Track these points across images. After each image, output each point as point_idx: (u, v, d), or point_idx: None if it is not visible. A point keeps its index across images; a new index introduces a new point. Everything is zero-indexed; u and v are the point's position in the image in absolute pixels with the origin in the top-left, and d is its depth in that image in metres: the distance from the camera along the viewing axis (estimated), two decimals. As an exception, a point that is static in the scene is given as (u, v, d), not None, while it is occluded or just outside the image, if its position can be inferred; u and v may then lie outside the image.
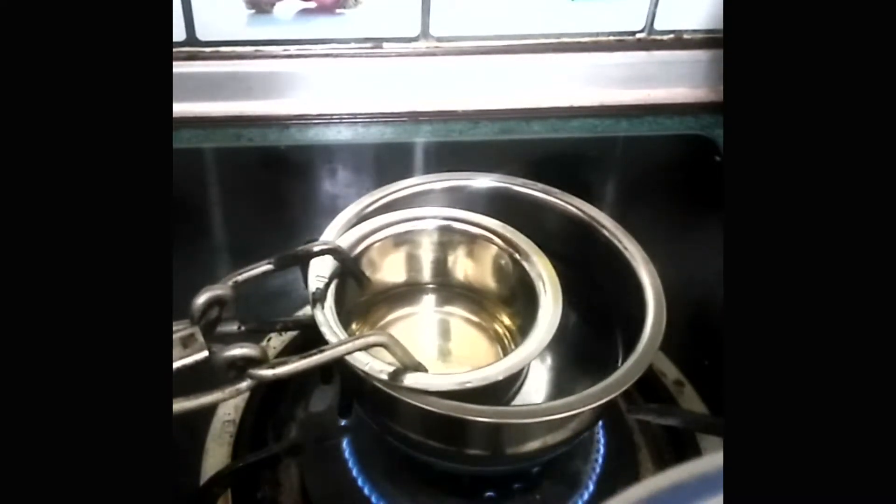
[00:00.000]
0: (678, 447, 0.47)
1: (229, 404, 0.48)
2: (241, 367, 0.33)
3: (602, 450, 0.46)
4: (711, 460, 0.26)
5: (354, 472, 0.44)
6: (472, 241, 0.45)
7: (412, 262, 0.46)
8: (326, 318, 0.38)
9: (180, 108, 0.69)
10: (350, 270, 0.42)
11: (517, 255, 0.43)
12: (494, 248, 0.44)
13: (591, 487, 0.44)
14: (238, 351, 0.33)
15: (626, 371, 0.37)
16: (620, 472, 0.45)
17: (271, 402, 0.49)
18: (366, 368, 0.36)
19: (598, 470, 0.45)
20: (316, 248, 0.40)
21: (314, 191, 0.68)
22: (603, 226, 0.45)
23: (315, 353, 0.35)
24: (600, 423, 0.46)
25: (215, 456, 0.46)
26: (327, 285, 0.40)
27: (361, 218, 0.44)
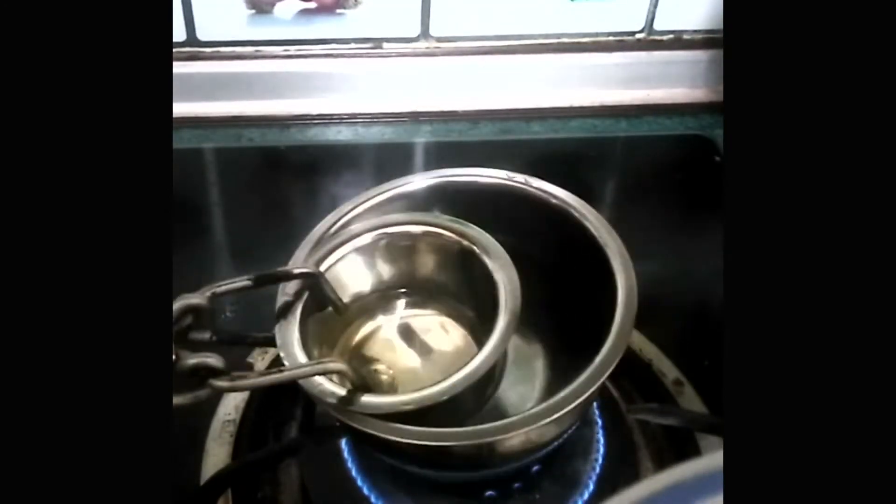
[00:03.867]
0: (678, 447, 0.47)
1: (229, 404, 0.49)
2: (202, 376, 0.34)
3: (602, 449, 0.46)
4: (711, 460, 0.26)
5: (354, 472, 0.44)
6: (418, 241, 0.44)
7: (379, 270, 0.45)
8: (286, 341, 0.39)
9: (180, 108, 0.69)
10: (328, 298, 0.42)
11: (470, 246, 0.42)
12: (443, 243, 0.44)
13: (591, 487, 0.44)
14: (200, 360, 0.34)
15: (593, 372, 0.37)
16: (620, 472, 0.45)
17: (271, 402, 0.49)
18: (316, 392, 0.37)
19: (597, 469, 0.45)
20: (295, 271, 0.41)
21: (314, 191, 0.68)
22: (576, 209, 0.44)
23: (274, 372, 0.36)
24: (600, 423, 0.46)
25: (215, 456, 0.46)
26: (294, 303, 0.40)
27: (323, 240, 0.44)
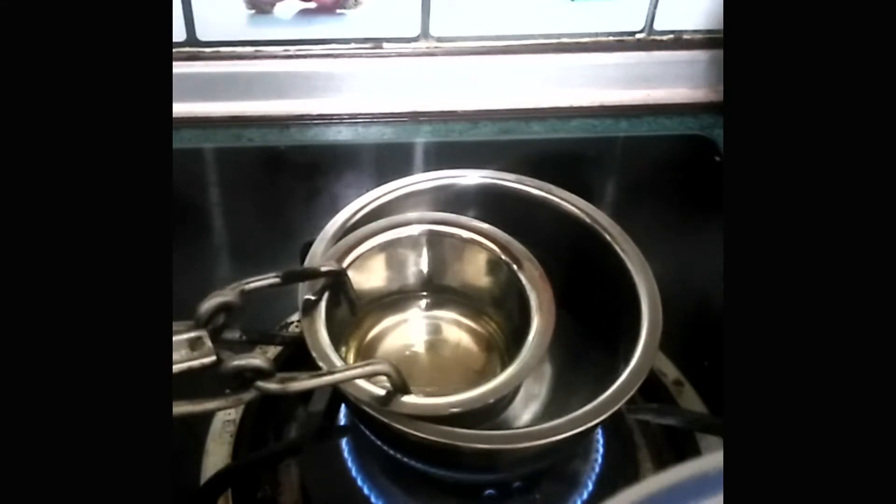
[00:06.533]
0: (678, 447, 0.47)
1: (229, 404, 0.48)
2: (248, 378, 0.33)
3: (602, 449, 0.46)
4: (711, 460, 0.26)
5: (354, 472, 0.44)
6: (461, 246, 0.44)
7: (402, 269, 0.45)
8: (316, 341, 0.38)
9: (180, 108, 0.69)
10: (347, 297, 0.42)
11: (508, 259, 0.42)
12: (485, 253, 0.43)
13: (591, 487, 0.44)
14: (248, 361, 0.33)
15: (619, 388, 0.37)
16: (620, 472, 0.45)
17: (271, 402, 0.49)
18: (359, 394, 0.36)
19: (597, 469, 0.45)
20: (323, 269, 0.40)
21: (314, 191, 0.68)
22: (600, 224, 0.44)
23: (324, 374, 0.35)
24: (600, 423, 0.46)
25: (215, 456, 0.46)
26: (317, 301, 0.40)
27: (350, 227, 0.43)
